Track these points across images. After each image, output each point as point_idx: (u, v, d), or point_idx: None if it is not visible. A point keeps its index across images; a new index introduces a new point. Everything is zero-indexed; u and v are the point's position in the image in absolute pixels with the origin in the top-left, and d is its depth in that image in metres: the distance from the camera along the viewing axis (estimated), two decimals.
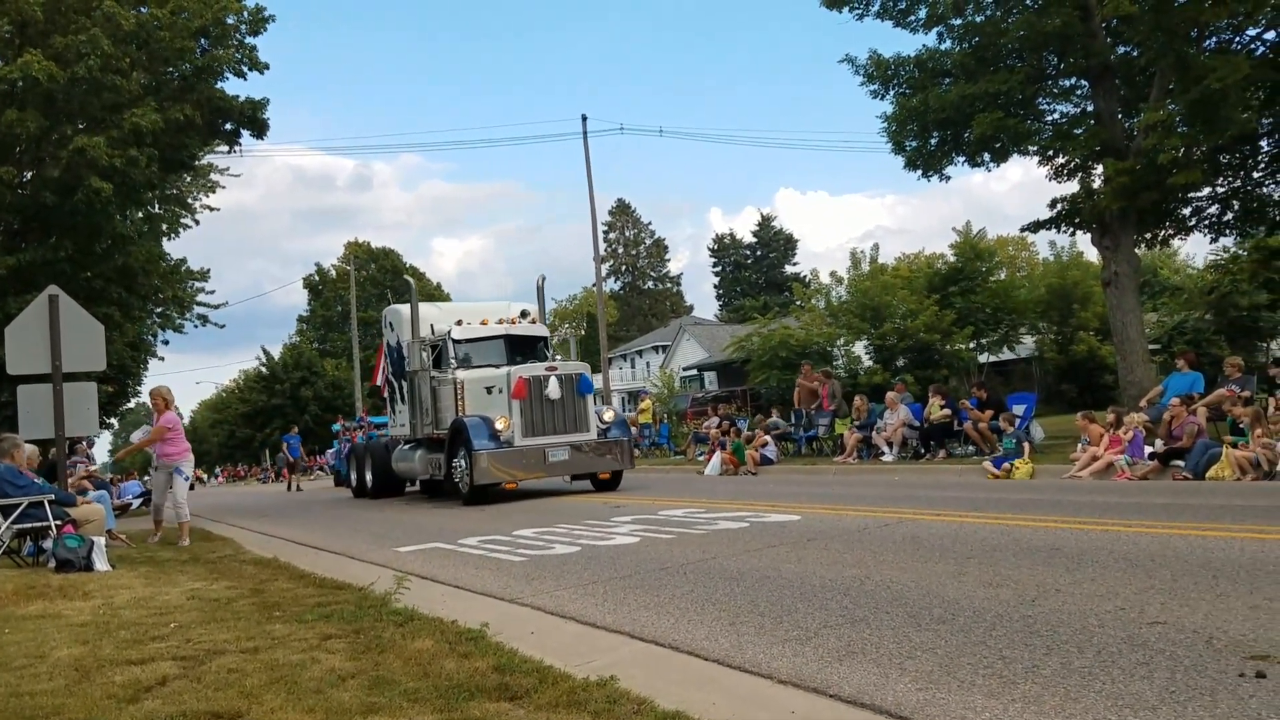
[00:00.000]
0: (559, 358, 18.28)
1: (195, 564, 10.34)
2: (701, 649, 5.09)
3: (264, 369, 71.95)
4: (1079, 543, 7.43)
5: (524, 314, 18.95)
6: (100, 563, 9.82)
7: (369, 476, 21.66)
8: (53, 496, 10.88)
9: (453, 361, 17.39)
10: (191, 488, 13.77)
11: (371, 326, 75.82)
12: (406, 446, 19.42)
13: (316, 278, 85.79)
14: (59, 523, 10.59)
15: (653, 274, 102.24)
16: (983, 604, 5.55)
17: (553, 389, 15.94)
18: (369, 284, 77.85)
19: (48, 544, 10.27)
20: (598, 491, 16.48)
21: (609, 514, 12.27)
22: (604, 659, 5.03)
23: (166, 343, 34.22)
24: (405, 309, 18.80)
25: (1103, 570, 6.26)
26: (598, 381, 25.17)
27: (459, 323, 18.02)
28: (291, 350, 74.11)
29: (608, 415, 17.00)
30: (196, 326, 32.95)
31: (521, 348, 17.95)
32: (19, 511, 10.41)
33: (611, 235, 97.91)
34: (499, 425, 15.68)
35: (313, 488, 33.43)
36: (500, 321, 18.28)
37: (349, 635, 5.82)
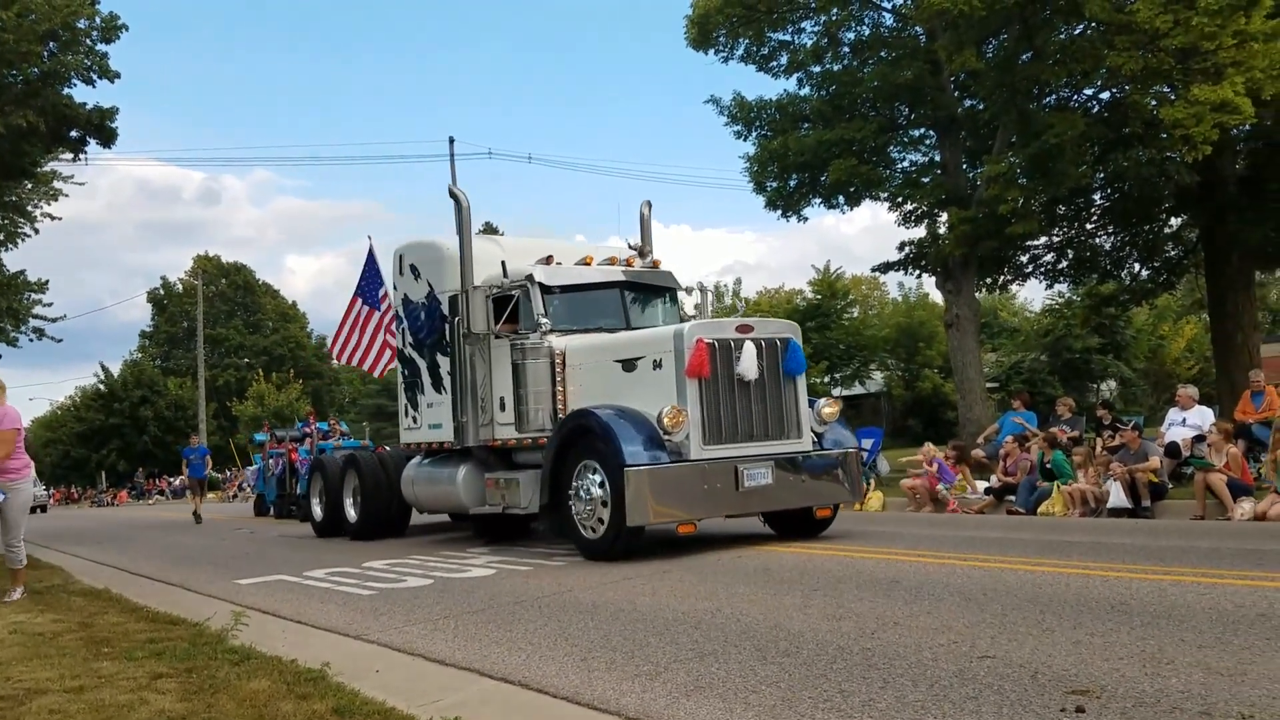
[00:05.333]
0: (695, 316, 12.10)
1: None
2: (551, 686, 5.07)
3: (102, 386, 68.45)
4: (917, 575, 7.72)
5: (641, 252, 12.53)
6: None
7: (350, 505, 14.65)
8: None
9: (543, 322, 10.88)
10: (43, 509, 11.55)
11: (220, 345, 73.21)
12: (426, 461, 13.10)
13: (162, 292, 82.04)
14: None
15: None
16: (826, 636, 5.71)
17: (748, 363, 9.69)
18: (219, 300, 74.95)
19: None
20: (782, 539, 10.64)
21: (466, 544, 12.12)
22: (451, 698, 4.96)
23: None
24: (446, 243, 12.42)
25: (938, 603, 6.51)
26: None
27: (548, 260, 11.65)
28: (132, 367, 70.67)
29: (827, 410, 10.56)
30: (31, 340, 31.21)
31: (639, 301, 12.05)
32: None
33: None
34: (666, 420, 9.37)
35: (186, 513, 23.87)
36: (610, 262, 12.14)
37: (181, 674, 5.59)
